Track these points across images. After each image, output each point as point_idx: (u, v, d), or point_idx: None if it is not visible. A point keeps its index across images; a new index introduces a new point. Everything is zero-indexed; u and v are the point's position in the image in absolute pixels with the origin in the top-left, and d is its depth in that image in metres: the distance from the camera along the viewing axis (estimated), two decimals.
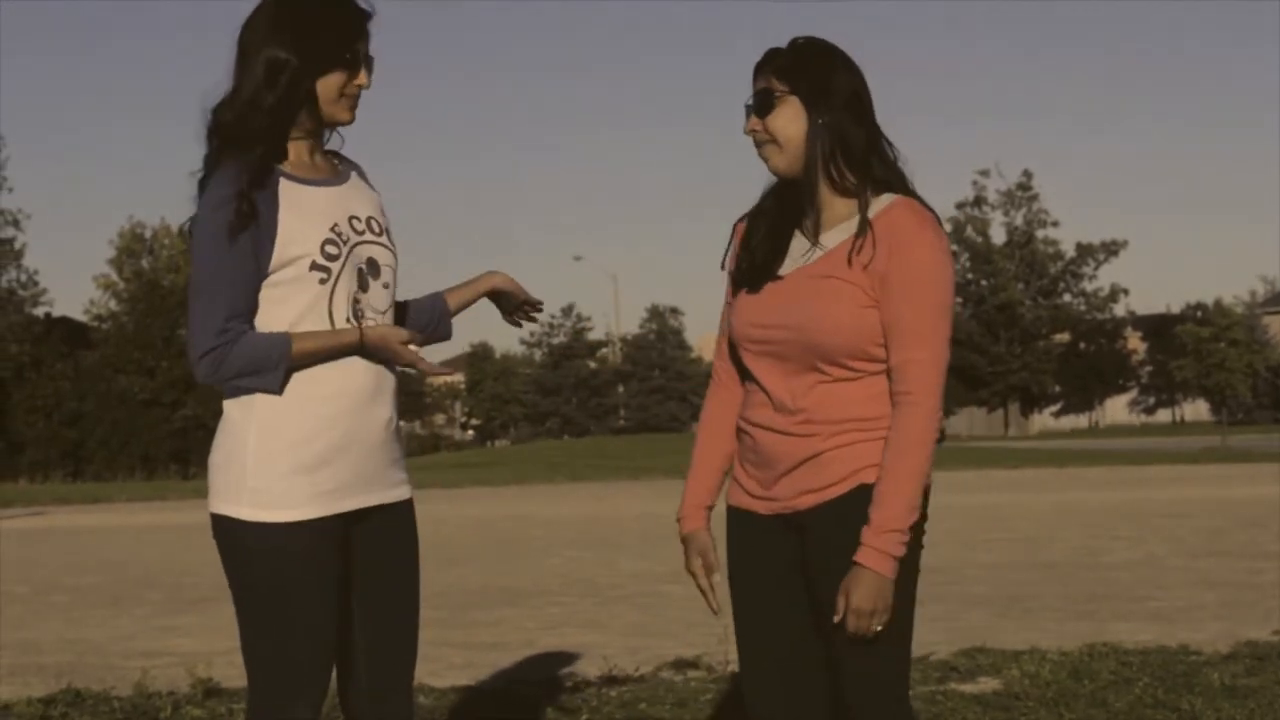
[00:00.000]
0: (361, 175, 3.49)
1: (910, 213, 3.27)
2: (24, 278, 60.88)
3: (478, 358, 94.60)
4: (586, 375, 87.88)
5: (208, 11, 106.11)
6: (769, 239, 3.38)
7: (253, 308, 3.24)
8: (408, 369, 3.35)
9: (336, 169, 3.41)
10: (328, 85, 3.28)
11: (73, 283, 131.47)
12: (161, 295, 57.79)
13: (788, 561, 3.36)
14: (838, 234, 3.31)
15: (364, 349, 3.25)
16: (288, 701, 3.27)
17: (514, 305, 3.71)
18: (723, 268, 3.50)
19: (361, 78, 3.31)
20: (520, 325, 3.76)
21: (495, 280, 3.68)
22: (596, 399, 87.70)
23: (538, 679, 7.35)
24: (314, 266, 3.24)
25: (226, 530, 3.28)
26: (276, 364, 3.19)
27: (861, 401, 3.28)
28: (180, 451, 55.08)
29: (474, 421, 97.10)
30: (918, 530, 3.31)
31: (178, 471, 53.22)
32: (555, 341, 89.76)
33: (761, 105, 3.31)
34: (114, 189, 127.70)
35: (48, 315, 61.42)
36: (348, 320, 3.28)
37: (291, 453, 3.23)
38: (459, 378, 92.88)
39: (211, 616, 10.11)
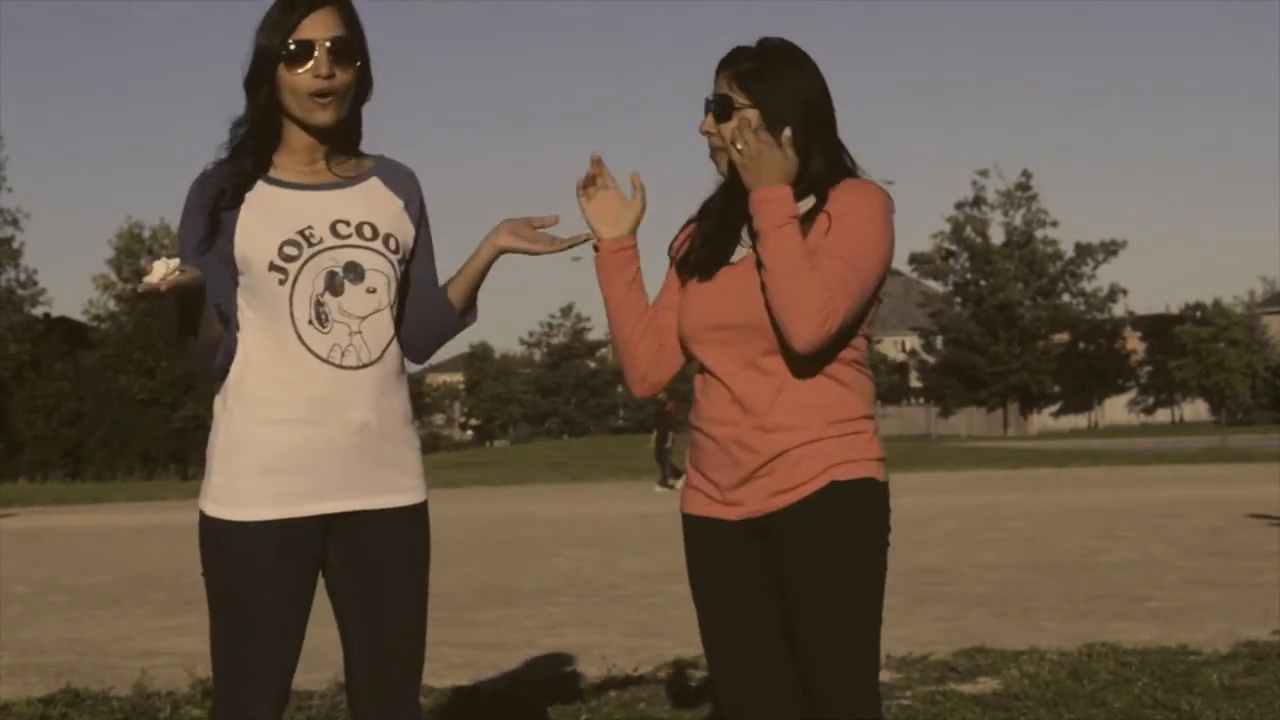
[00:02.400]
0: (389, 180, 3.43)
1: (856, 183, 3.32)
2: (23, 277, 61.00)
3: (477, 358, 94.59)
4: (586, 375, 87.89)
5: (209, 12, 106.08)
6: (717, 231, 3.39)
7: (228, 299, 3.30)
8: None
9: (350, 172, 3.39)
10: (285, 85, 3.25)
11: (72, 283, 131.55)
12: None
13: (755, 566, 3.35)
14: None
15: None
16: (242, 702, 3.28)
17: (533, 242, 3.42)
18: (670, 256, 3.51)
19: (318, 66, 3.23)
20: (563, 249, 3.42)
21: (499, 242, 3.43)
22: (596, 399, 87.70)
23: (537, 679, 7.35)
24: (272, 267, 3.25)
25: (199, 525, 3.34)
26: (178, 344, 3.23)
27: (827, 395, 3.28)
28: (180, 451, 55.11)
29: (473, 422, 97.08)
30: (884, 529, 3.33)
31: (177, 471, 53.22)
32: (555, 341, 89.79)
33: (720, 111, 3.32)
34: (113, 189, 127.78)
35: (47, 315, 61.49)
36: (310, 322, 3.28)
37: (249, 453, 3.26)
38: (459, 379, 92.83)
39: None
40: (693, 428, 3.42)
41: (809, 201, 3.32)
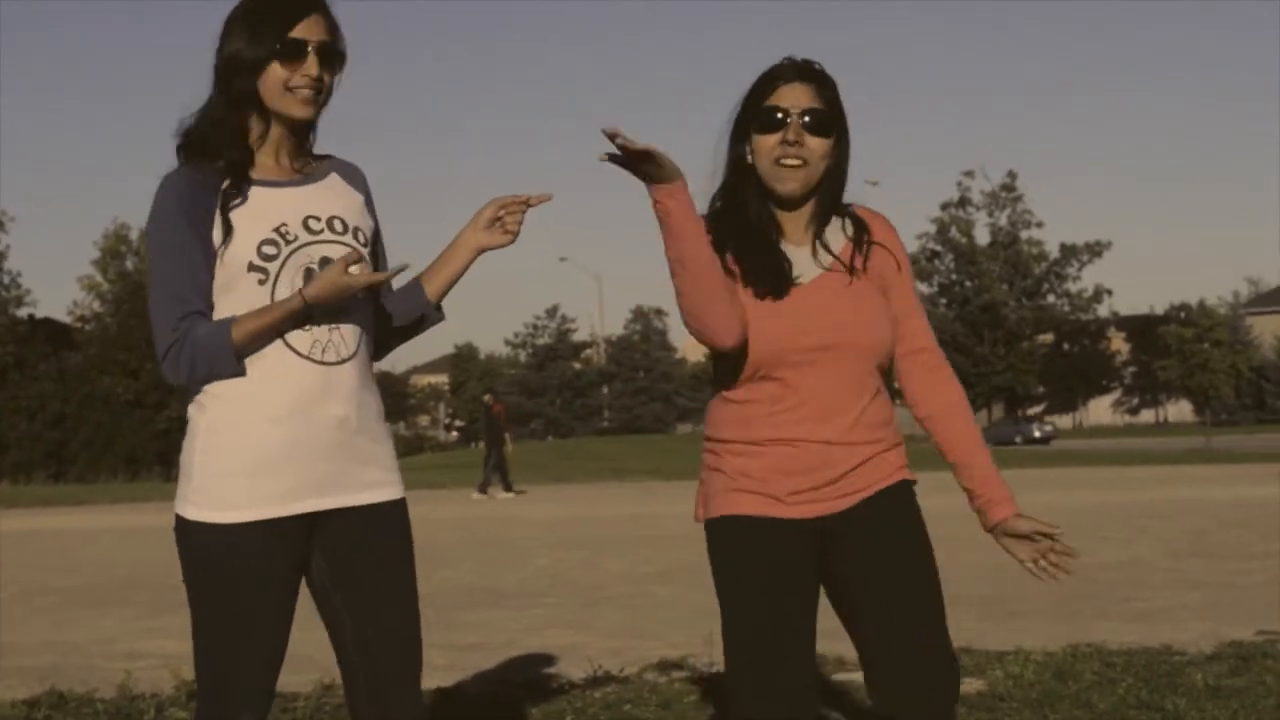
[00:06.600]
0: (346, 176, 3.46)
1: (874, 214, 3.50)
2: (6, 279, 60.93)
3: (462, 358, 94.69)
4: (571, 376, 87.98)
5: (199, 12, 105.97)
6: (766, 252, 3.39)
7: (208, 304, 3.26)
8: (377, 288, 3.35)
9: (309, 169, 3.40)
10: (269, 78, 3.26)
11: (56, 284, 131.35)
12: (146, 296, 57.70)
13: (804, 566, 3.38)
14: (830, 241, 3.42)
15: (312, 307, 3.21)
16: (226, 705, 3.28)
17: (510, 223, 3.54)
18: None
19: (308, 67, 3.27)
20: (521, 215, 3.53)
21: (479, 241, 3.52)
22: (581, 400, 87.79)
23: (522, 680, 7.35)
24: (251, 267, 3.24)
25: (177, 528, 3.31)
26: (221, 353, 3.20)
27: (888, 409, 3.45)
28: (164, 453, 54.99)
29: (458, 423, 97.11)
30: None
31: (161, 473, 53.14)
32: (540, 342, 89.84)
33: (821, 125, 3.34)
34: (98, 190, 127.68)
35: (31, 316, 61.39)
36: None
37: (232, 455, 3.24)
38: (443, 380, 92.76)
39: None
40: (741, 439, 3.40)
41: (849, 225, 3.45)
